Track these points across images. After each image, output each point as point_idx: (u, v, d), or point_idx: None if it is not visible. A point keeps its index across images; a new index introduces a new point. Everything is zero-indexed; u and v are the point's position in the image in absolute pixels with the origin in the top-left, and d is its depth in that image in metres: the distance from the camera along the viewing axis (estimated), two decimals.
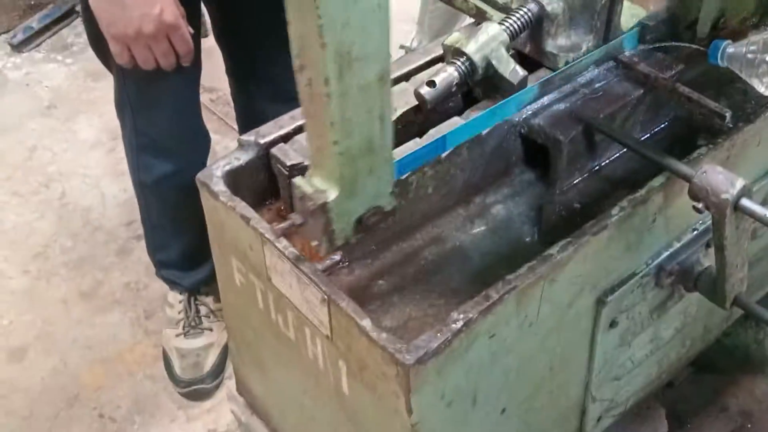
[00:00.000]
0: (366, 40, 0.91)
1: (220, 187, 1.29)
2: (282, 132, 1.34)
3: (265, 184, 1.37)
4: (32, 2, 3.60)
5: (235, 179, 1.32)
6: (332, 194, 1.03)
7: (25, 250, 2.58)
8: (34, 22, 3.51)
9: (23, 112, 3.15)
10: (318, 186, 1.04)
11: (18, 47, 3.47)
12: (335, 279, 1.26)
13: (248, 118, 1.97)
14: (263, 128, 1.35)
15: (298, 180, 1.07)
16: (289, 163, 1.29)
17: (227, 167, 1.31)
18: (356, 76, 0.93)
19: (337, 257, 1.28)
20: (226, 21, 1.83)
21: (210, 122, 3.10)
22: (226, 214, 1.28)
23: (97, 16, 1.38)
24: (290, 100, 1.48)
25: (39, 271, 2.51)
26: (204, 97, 3.17)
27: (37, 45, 3.51)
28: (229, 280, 1.42)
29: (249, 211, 1.24)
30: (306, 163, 1.29)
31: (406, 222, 1.34)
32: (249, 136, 1.34)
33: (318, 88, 0.93)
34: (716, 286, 1.33)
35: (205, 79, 3.16)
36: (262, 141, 1.33)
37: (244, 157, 1.33)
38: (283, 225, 1.14)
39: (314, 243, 1.11)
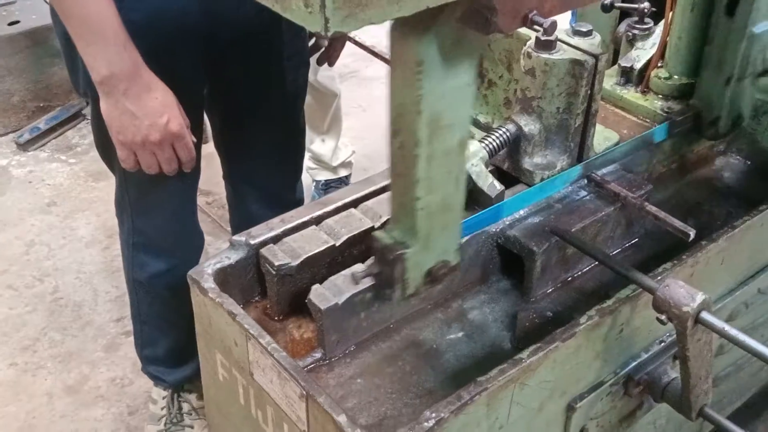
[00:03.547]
0: (454, 111, 1.05)
1: (209, 284, 1.35)
2: (272, 234, 1.42)
3: (253, 282, 1.44)
4: (41, 104, 3.74)
5: (224, 277, 1.38)
6: (410, 245, 1.14)
7: (15, 343, 2.60)
8: (42, 123, 3.64)
9: (24, 208, 3.24)
10: (398, 238, 1.15)
11: (24, 146, 3.59)
12: (315, 376, 1.31)
13: (242, 221, 2.05)
14: (254, 230, 1.43)
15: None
16: (277, 263, 1.36)
17: (218, 265, 1.38)
18: (442, 141, 1.07)
19: (318, 355, 1.34)
20: (227, 130, 1.94)
21: (204, 224, 3.17)
22: (214, 310, 1.34)
23: (108, 124, 1.47)
24: (281, 207, 1.58)
25: (26, 363, 2.53)
26: (200, 200, 3.26)
27: (43, 145, 3.63)
28: (212, 375, 1.47)
29: (236, 308, 1.30)
30: (293, 263, 1.37)
31: (384, 324, 1.40)
32: (240, 237, 1.41)
33: (409, 150, 1.06)
34: (682, 397, 1.38)
35: (202, 183, 3.25)
36: (252, 242, 1.40)
37: (234, 257, 1.40)
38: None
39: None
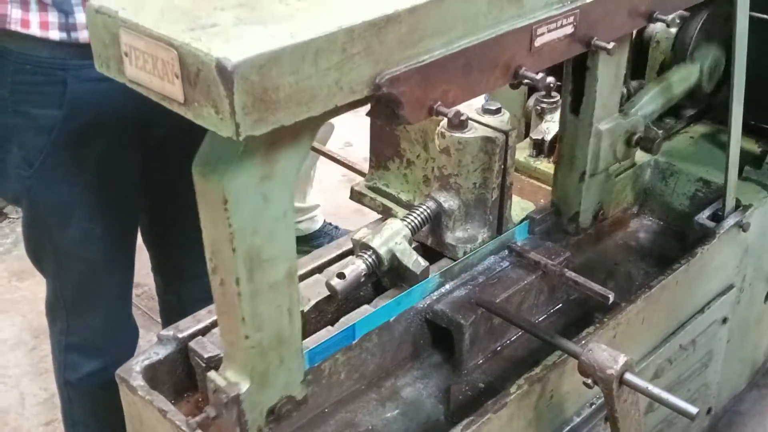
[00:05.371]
0: (275, 243, 1.01)
1: (138, 381, 1.33)
2: (200, 326, 1.41)
3: (183, 377, 1.42)
4: None
5: (154, 373, 1.36)
6: (244, 386, 1.09)
7: None
8: None
9: None
10: (231, 379, 1.10)
11: None
12: None
13: (173, 312, 2.03)
14: (182, 323, 1.42)
15: (211, 374, 1.13)
16: (206, 356, 1.35)
17: (146, 362, 1.36)
18: (266, 276, 1.02)
19: None
20: (155, 223, 1.94)
21: (135, 316, 3.12)
22: (144, 408, 1.32)
23: None
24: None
25: None
26: None
27: None
28: None
29: (166, 405, 1.28)
30: (222, 355, 1.36)
31: (319, 408, 1.40)
32: (168, 331, 1.40)
33: (230, 287, 1.01)
34: None
35: None
36: (180, 335, 1.39)
37: (162, 352, 1.38)
38: (198, 418, 1.19)
39: None
